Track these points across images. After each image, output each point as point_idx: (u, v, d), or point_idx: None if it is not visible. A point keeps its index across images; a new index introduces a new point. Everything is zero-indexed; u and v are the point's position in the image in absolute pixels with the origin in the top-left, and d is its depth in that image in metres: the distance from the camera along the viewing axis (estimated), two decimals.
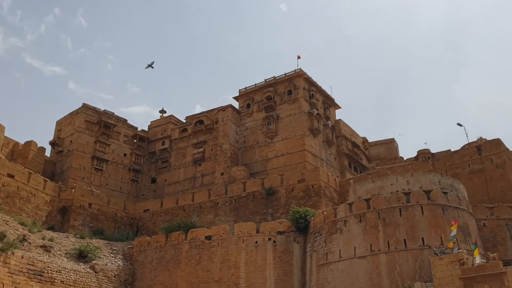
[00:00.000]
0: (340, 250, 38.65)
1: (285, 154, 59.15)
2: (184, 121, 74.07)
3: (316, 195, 49.84)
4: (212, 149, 66.12)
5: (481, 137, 52.63)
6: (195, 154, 67.56)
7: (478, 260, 31.21)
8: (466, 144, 54.00)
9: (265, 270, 41.64)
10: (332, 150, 64.04)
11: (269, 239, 43.13)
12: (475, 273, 29.77)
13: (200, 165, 66.61)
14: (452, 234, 32.23)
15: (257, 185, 54.01)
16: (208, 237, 45.01)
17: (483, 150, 49.22)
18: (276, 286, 40.93)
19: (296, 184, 51.59)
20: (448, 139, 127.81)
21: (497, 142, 48.81)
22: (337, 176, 58.43)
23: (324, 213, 42.20)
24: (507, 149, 49.99)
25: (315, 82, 65.37)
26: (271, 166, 60.18)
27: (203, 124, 68.77)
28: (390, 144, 72.15)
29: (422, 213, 37.19)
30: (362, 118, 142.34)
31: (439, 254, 32.48)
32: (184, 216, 55.14)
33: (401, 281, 34.03)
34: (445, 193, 38.93)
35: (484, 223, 42.66)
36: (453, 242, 32.31)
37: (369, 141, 73.18)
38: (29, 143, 59.92)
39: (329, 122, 65.26)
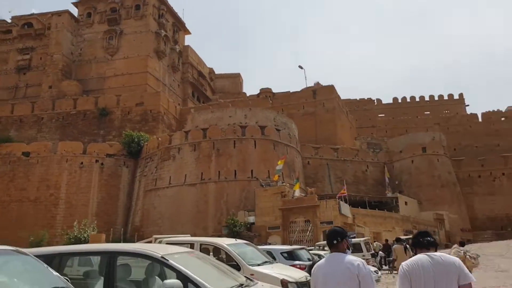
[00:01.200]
0: (170, 177, 37.83)
1: (125, 74, 54.84)
2: (9, 21, 63.52)
3: (153, 121, 47.72)
4: (41, 58, 58.17)
5: (318, 82, 55.73)
6: (19, 60, 58.75)
7: (297, 193, 33.19)
8: (305, 88, 56.66)
9: (89, 192, 39.05)
10: (177, 76, 61.64)
11: (97, 161, 40.27)
12: (293, 205, 31.62)
13: (24, 74, 58.32)
14: (278, 168, 33.54)
15: (90, 103, 49.56)
16: (26, 154, 40.19)
17: (318, 94, 52.18)
18: (99, 209, 38.82)
19: (133, 107, 48.62)
20: (292, 81, 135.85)
21: (331, 89, 52.12)
22: (179, 104, 56.77)
23: (159, 139, 40.61)
24: (339, 96, 53.84)
25: (167, 1, 61.12)
26: (109, 85, 55.48)
27: (32, 27, 59.82)
28: (235, 79, 72.53)
29: (255, 147, 38.12)
30: (211, 49, 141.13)
31: (264, 186, 33.74)
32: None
33: (226, 209, 34.75)
34: (278, 130, 40.37)
35: (308, 161, 45.88)
36: (279, 176, 33.72)
37: (216, 73, 72.51)
38: None
39: (177, 47, 62.24)
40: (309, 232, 29.92)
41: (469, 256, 11.34)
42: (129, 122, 47.72)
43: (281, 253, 11.30)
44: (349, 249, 3.92)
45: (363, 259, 19.41)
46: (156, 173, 38.82)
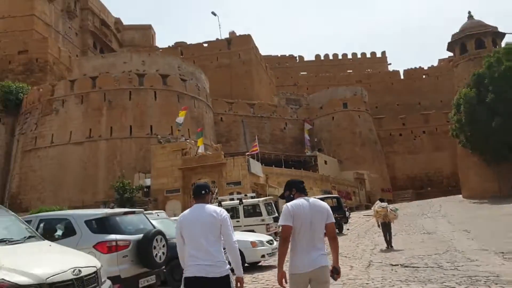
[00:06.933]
0: (53, 135, 31.78)
1: (6, 17, 46.25)
2: None
3: (40, 71, 40.52)
4: None
5: (233, 31, 50.59)
6: None
7: (201, 149, 28.67)
8: (221, 39, 51.45)
9: None
10: (74, 24, 53.67)
11: None
12: (196, 163, 27.08)
13: None
14: (178, 122, 28.65)
15: None
16: None
17: (233, 44, 47.30)
18: None
19: (15, 55, 40.97)
20: (209, 35, 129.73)
21: (247, 38, 47.38)
22: (77, 56, 49.37)
23: (40, 90, 34.05)
24: (256, 47, 49.26)
25: None
26: None
27: None
28: (146, 31, 65.28)
29: (155, 99, 32.85)
30: None
31: (163, 142, 28.79)
32: None
33: (120, 171, 29.52)
34: (184, 80, 35.23)
35: (221, 118, 41.31)
36: (179, 130, 28.91)
37: (124, 24, 64.89)
38: None
39: None
40: (215, 195, 25.52)
41: (390, 209, 12.80)
42: (10, 73, 40.22)
43: (86, 222, 6.40)
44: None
45: (263, 224, 14.52)
46: (36, 130, 32.55)
